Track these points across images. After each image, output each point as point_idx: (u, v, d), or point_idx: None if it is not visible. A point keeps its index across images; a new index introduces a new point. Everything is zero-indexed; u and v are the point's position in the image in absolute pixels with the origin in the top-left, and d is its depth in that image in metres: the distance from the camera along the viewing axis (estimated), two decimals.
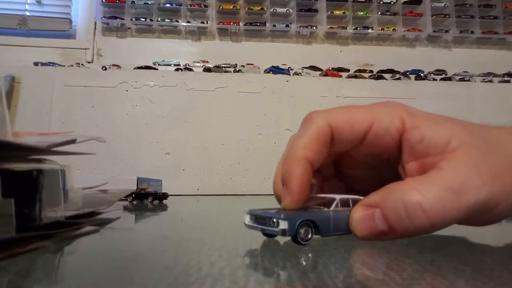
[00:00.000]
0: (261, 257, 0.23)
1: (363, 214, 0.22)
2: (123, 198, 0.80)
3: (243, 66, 1.83)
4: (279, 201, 0.29)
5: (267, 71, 1.80)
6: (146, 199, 0.88)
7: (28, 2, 1.93)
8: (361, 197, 0.25)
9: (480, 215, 0.24)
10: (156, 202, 0.88)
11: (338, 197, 0.25)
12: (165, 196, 0.93)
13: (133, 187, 0.91)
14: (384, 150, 0.26)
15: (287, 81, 1.72)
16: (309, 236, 0.23)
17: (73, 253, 0.27)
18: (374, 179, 0.29)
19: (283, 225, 0.21)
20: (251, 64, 1.85)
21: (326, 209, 0.24)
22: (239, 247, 0.26)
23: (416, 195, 0.21)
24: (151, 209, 0.72)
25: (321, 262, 0.22)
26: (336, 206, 0.24)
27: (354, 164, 0.29)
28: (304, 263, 0.21)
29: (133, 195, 0.87)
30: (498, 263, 0.24)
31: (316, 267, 0.21)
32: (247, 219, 0.26)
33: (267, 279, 0.18)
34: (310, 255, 0.23)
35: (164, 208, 0.77)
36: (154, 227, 0.46)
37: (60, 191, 0.31)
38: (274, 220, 0.22)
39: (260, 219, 0.24)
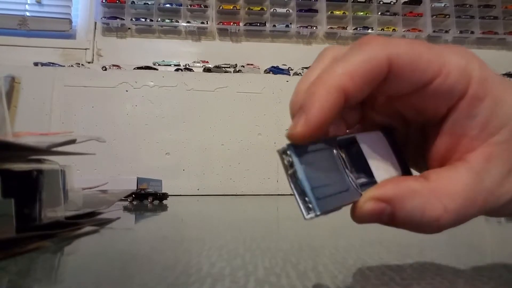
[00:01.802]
0: (261, 257, 0.23)
1: (373, 209, 0.19)
2: (123, 198, 0.80)
3: (243, 66, 1.83)
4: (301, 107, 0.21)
5: (267, 71, 1.80)
6: (146, 199, 0.88)
7: (28, 2, 1.93)
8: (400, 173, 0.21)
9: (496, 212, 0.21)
10: (156, 202, 0.88)
11: (379, 180, 0.20)
12: (165, 196, 0.93)
13: (133, 187, 0.91)
14: (430, 108, 0.21)
15: (287, 81, 1.72)
16: None
17: (73, 253, 0.27)
18: (399, 134, 0.24)
19: (311, 217, 0.18)
20: (251, 64, 1.85)
21: (360, 191, 0.20)
22: (239, 247, 0.26)
23: (439, 211, 0.19)
24: (151, 209, 0.72)
25: (321, 262, 0.22)
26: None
27: (386, 111, 0.23)
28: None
29: (133, 195, 0.87)
30: (498, 263, 0.24)
31: (316, 267, 0.21)
32: (284, 156, 0.18)
33: (267, 279, 0.18)
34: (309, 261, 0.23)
35: (164, 208, 0.77)
36: (154, 227, 0.46)
37: (60, 191, 0.31)
38: (308, 204, 0.18)
39: (296, 177, 0.18)
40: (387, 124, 0.23)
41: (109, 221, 0.41)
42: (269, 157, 1.59)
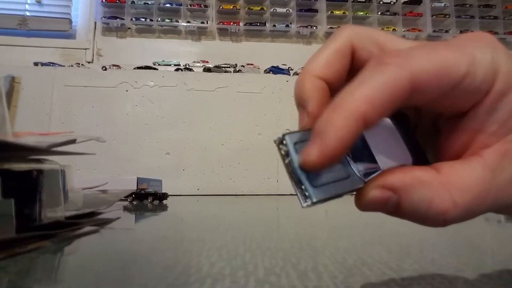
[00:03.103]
0: (261, 257, 0.23)
1: (378, 197, 0.18)
2: (123, 198, 0.80)
3: (243, 66, 1.83)
4: (301, 104, 0.21)
5: (267, 71, 1.80)
6: (146, 199, 0.88)
7: (28, 2, 1.93)
8: (410, 161, 0.20)
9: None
10: (156, 202, 0.89)
11: (382, 168, 0.19)
12: (165, 196, 0.93)
13: (133, 187, 0.91)
14: (453, 107, 0.20)
15: (287, 81, 1.72)
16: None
17: (73, 253, 0.27)
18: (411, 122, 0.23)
19: (308, 205, 0.17)
20: (251, 64, 1.85)
21: (364, 178, 0.19)
22: (239, 247, 0.26)
23: (447, 203, 0.18)
24: (151, 209, 0.72)
25: (321, 262, 0.22)
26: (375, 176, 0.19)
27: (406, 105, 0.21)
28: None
29: (133, 195, 0.87)
30: (498, 263, 0.24)
31: (316, 267, 0.21)
32: (280, 145, 0.18)
33: (267, 279, 0.18)
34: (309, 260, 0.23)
35: (164, 208, 0.77)
36: (154, 227, 0.46)
37: (60, 191, 0.31)
38: (304, 192, 0.18)
39: (292, 166, 0.18)
40: (397, 111, 0.21)
41: (109, 221, 0.41)
42: (269, 157, 1.59)
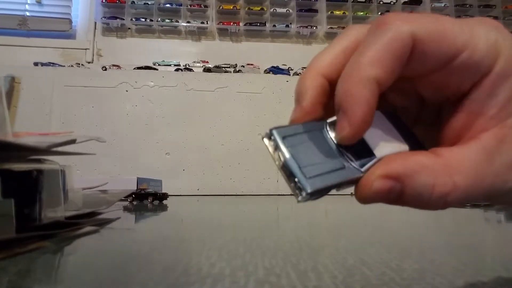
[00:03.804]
0: (261, 257, 0.23)
1: (381, 188, 0.18)
2: (123, 198, 0.80)
3: (243, 66, 1.83)
4: (297, 99, 0.22)
5: (267, 71, 1.80)
6: (146, 199, 0.88)
7: (28, 2, 1.93)
8: (406, 147, 0.20)
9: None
10: (156, 202, 0.88)
11: (378, 155, 0.19)
12: (165, 196, 0.93)
13: (133, 187, 0.91)
14: (452, 86, 0.20)
15: (287, 81, 1.72)
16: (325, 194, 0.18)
17: (73, 253, 0.27)
18: (412, 115, 0.23)
19: (304, 199, 0.17)
20: (251, 64, 1.85)
21: (360, 168, 0.19)
22: (239, 247, 0.26)
23: (448, 187, 0.18)
24: (151, 209, 0.72)
25: (321, 262, 0.22)
26: (373, 165, 0.19)
27: (402, 90, 0.22)
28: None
29: (133, 195, 0.87)
30: (498, 263, 0.24)
31: (316, 267, 0.21)
32: (268, 141, 0.18)
33: (267, 279, 0.18)
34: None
35: (164, 208, 0.77)
36: (154, 227, 0.46)
37: (60, 191, 0.31)
38: (297, 184, 0.17)
39: (283, 159, 0.18)
40: (399, 103, 0.23)
41: (109, 221, 0.41)
42: (269, 157, 1.58)
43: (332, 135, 0.19)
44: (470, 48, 0.18)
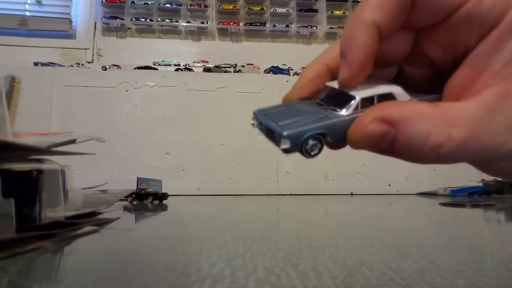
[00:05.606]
0: (261, 257, 0.23)
1: (375, 130, 0.18)
2: (123, 198, 0.80)
3: (243, 66, 1.83)
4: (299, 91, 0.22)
5: (267, 71, 1.80)
6: (146, 199, 0.88)
7: (28, 2, 1.93)
8: (392, 90, 0.20)
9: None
10: (156, 202, 0.88)
11: (358, 97, 0.19)
12: (165, 196, 0.93)
13: (133, 187, 0.91)
14: (459, 41, 0.19)
15: (287, 81, 1.72)
16: (317, 151, 0.19)
17: (73, 253, 0.27)
18: (434, 84, 0.23)
19: (285, 144, 0.18)
20: (251, 64, 1.85)
21: (342, 113, 0.19)
22: (239, 247, 0.26)
23: (443, 137, 0.17)
24: (151, 209, 0.72)
25: (321, 262, 0.22)
26: (356, 108, 0.19)
27: (416, 59, 0.22)
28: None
29: (133, 195, 0.87)
30: (498, 263, 0.24)
31: (316, 267, 0.21)
32: (254, 121, 0.21)
33: (267, 279, 0.18)
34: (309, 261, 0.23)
35: (164, 208, 0.77)
36: (154, 227, 0.46)
37: (60, 191, 0.31)
38: (276, 135, 0.18)
39: (264, 126, 0.19)
40: (416, 75, 0.22)
41: (109, 221, 0.41)
42: (269, 157, 1.59)
43: (319, 102, 0.20)
44: None
